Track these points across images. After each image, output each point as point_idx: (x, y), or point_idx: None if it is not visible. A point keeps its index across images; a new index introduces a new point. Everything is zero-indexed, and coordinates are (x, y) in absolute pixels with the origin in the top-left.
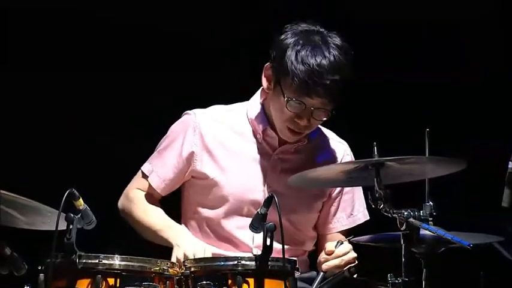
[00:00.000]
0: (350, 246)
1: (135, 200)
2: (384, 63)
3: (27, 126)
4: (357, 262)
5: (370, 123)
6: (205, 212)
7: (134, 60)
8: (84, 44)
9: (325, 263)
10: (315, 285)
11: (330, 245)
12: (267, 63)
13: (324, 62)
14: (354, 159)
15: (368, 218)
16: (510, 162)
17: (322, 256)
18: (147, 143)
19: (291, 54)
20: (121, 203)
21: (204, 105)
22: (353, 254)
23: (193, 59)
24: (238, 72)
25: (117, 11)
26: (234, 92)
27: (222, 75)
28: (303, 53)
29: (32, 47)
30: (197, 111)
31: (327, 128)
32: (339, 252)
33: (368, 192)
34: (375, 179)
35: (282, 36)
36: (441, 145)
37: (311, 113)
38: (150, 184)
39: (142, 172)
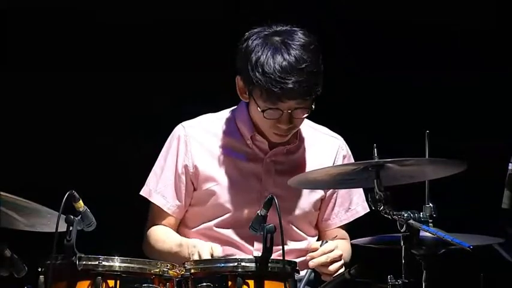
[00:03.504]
0: (336, 244)
1: (149, 233)
2: (384, 63)
3: (27, 126)
4: (343, 262)
5: (370, 125)
6: (205, 222)
7: (134, 60)
8: (84, 44)
9: (312, 261)
10: (303, 282)
11: (315, 243)
12: (237, 76)
13: (285, 64)
14: (349, 154)
15: (368, 210)
16: (510, 164)
17: (308, 254)
18: (147, 143)
19: (253, 64)
20: (143, 245)
21: (204, 105)
22: (339, 252)
23: (193, 59)
24: None
25: (116, 11)
26: (234, 92)
27: (222, 75)
28: (262, 60)
29: (32, 47)
30: (185, 124)
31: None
32: (324, 249)
33: (368, 194)
34: (375, 181)
35: (244, 45)
36: (441, 146)
37: (291, 115)
38: (163, 210)
39: (152, 203)
